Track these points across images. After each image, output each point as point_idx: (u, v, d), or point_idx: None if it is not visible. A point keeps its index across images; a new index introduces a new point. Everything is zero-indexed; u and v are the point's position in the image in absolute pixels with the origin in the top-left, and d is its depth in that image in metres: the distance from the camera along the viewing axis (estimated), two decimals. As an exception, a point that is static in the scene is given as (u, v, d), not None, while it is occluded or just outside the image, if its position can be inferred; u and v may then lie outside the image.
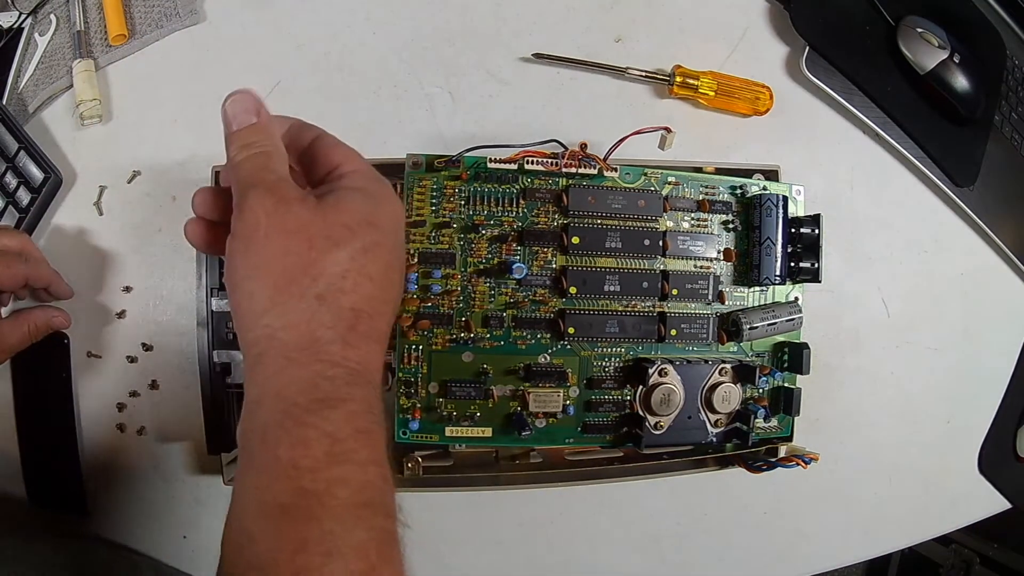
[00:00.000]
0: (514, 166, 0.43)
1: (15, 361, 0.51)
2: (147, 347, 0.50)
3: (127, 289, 0.50)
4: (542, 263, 0.44)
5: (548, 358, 0.44)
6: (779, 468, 0.47)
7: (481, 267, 0.43)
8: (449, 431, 0.44)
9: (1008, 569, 1.01)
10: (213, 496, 0.50)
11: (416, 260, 0.43)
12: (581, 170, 0.43)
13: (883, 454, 0.55)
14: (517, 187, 0.44)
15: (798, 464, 0.46)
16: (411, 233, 0.43)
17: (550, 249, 0.44)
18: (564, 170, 0.43)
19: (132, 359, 0.50)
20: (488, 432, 0.44)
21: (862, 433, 0.54)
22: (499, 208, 0.44)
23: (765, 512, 0.54)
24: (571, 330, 0.44)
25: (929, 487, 0.56)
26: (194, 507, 0.51)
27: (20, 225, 0.49)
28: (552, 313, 0.44)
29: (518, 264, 0.43)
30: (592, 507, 0.52)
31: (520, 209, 0.44)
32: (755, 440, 0.46)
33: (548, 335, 0.44)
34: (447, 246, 0.43)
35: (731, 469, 0.49)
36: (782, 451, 0.48)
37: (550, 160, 0.43)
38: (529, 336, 0.44)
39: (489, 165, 0.42)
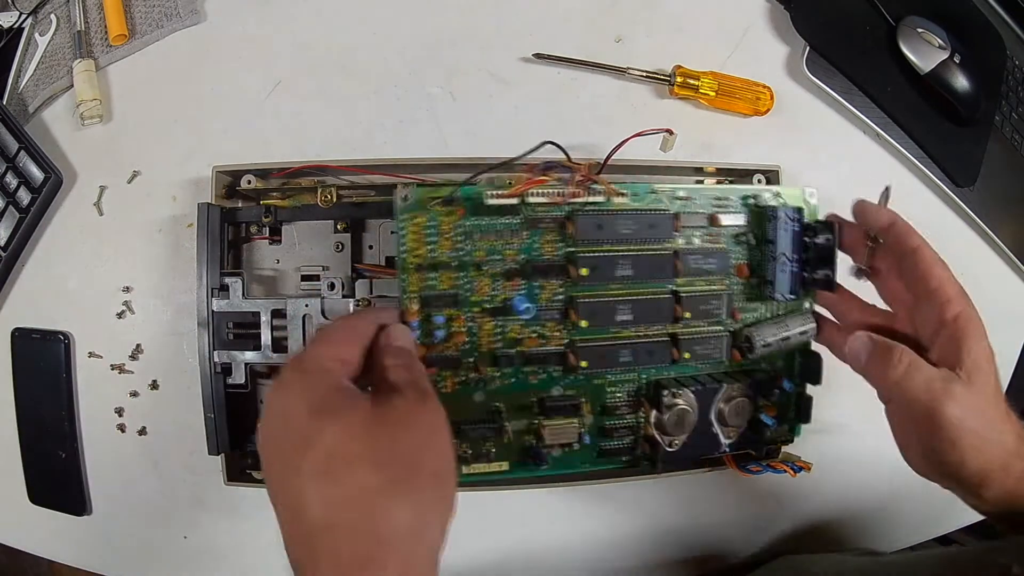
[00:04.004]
0: (515, 200, 0.39)
1: (15, 361, 0.51)
2: (147, 347, 0.50)
3: (127, 289, 0.50)
4: (550, 296, 0.41)
5: (561, 390, 0.43)
6: (769, 472, 0.46)
7: (486, 306, 0.41)
8: (466, 470, 0.42)
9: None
10: (213, 496, 0.50)
11: (417, 306, 0.40)
12: (588, 199, 0.40)
13: (883, 454, 0.54)
14: (518, 218, 0.41)
15: (787, 472, 0.46)
16: (409, 278, 0.40)
17: (557, 282, 0.41)
18: (570, 201, 0.40)
19: (132, 359, 0.50)
20: (505, 466, 0.42)
21: (862, 433, 0.54)
22: (500, 242, 0.40)
23: (766, 512, 0.54)
24: (584, 364, 0.41)
25: (929, 487, 0.55)
26: (194, 507, 0.51)
27: (20, 225, 0.49)
28: (562, 346, 0.42)
29: (527, 305, 0.40)
30: (592, 507, 0.52)
31: (523, 241, 0.41)
32: (763, 444, 0.46)
33: (560, 368, 0.42)
34: (448, 287, 0.40)
35: (731, 470, 0.49)
36: (781, 454, 0.48)
37: (555, 191, 0.40)
38: (540, 371, 0.42)
39: (488, 202, 0.39)
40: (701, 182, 0.51)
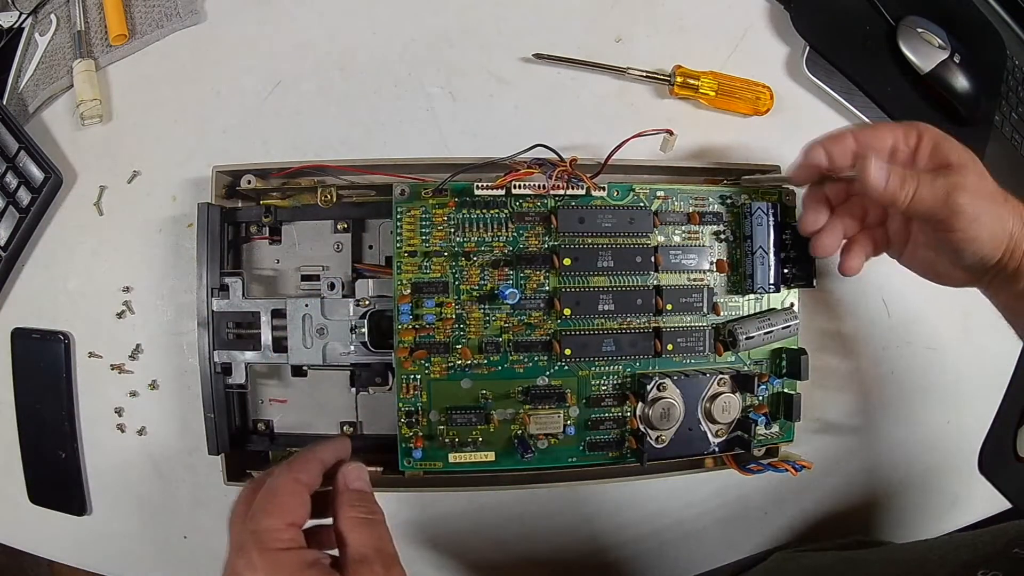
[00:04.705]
0: (501, 191, 0.42)
1: (15, 361, 0.51)
2: (147, 347, 0.50)
3: (127, 289, 0.50)
4: (535, 286, 0.44)
5: (546, 380, 0.44)
6: (770, 471, 0.47)
7: (474, 293, 0.43)
8: (453, 458, 0.44)
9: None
10: (213, 496, 0.50)
11: (409, 291, 0.43)
12: (569, 191, 0.43)
13: (883, 454, 0.55)
14: (506, 211, 0.43)
15: (789, 471, 0.46)
16: (403, 263, 0.43)
17: (542, 272, 0.44)
18: (552, 192, 0.43)
19: (132, 359, 0.50)
20: (491, 456, 0.44)
21: (862, 433, 0.54)
22: (488, 234, 0.43)
23: (766, 512, 0.54)
24: (567, 351, 0.43)
25: (929, 487, 0.56)
26: (194, 507, 0.51)
27: (20, 225, 0.49)
28: (548, 335, 0.44)
29: (511, 290, 0.42)
30: (592, 507, 0.52)
31: (510, 233, 0.44)
32: (757, 447, 0.46)
33: (545, 357, 0.44)
34: (439, 274, 0.43)
35: (731, 470, 0.49)
36: (781, 453, 0.48)
37: (537, 183, 0.42)
38: (526, 359, 0.44)
39: (476, 192, 0.42)
40: (702, 183, 0.51)
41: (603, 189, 0.44)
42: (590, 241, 0.44)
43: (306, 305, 0.45)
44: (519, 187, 0.42)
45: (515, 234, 0.44)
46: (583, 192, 0.43)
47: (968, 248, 0.38)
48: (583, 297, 0.44)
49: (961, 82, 0.52)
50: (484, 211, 0.43)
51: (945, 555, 0.40)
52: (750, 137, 0.53)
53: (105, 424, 0.51)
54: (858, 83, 0.52)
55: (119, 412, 0.51)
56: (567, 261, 0.43)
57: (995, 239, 0.38)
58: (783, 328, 0.46)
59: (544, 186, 0.42)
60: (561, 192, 0.43)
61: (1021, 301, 0.40)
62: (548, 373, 0.44)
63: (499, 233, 0.43)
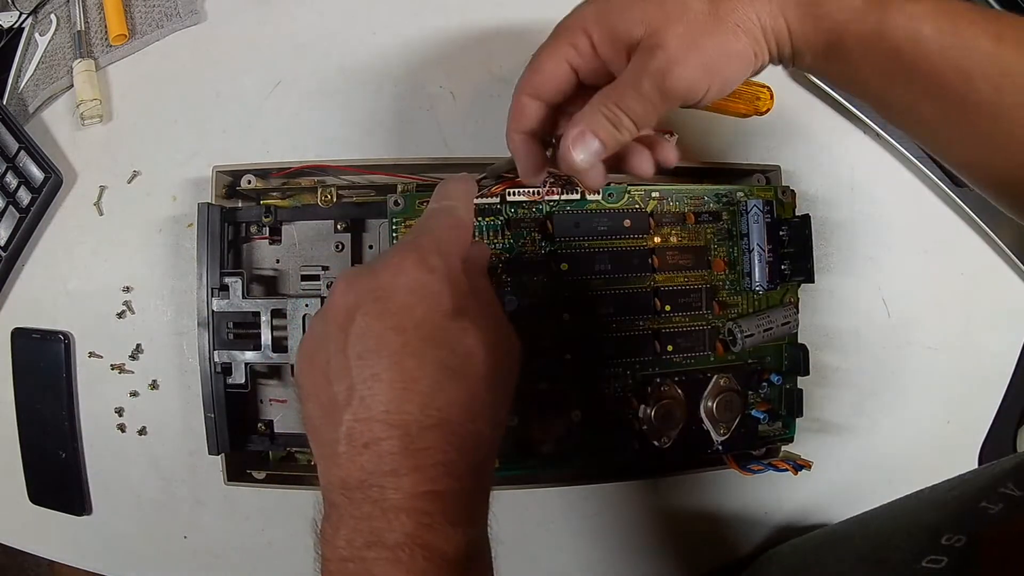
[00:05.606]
0: (496, 199, 0.42)
1: (15, 361, 0.51)
2: (147, 347, 0.50)
3: (127, 289, 0.50)
4: (534, 291, 0.44)
5: (548, 385, 0.44)
6: (771, 471, 0.47)
7: None
8: None
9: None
10: (213, 496, 0.50)
11: None
12: (564, 196, 0.43)
13: (883, 454, 0.55)
14: (501, 219, 0.43)
15: (789, 471, 0.46)
16: None
17: (540, 277, 0.43)
18: (547, 198, 0.43)
19: (132, 359, 0.50)
20: (495, 464, 0.44)
21: (862, 433, 0.54)
22: (485, 241, 0.43)
23: (765, 512, 0.54)
24: (568, 356, 0.43)
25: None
26: (194, 507, 0.51)
27: (20, 225, 0.49)
28: (548, 340, 0.44)
29: (509, 297, 0.42)
30: (592, 507, 0.52)
31: (506, 240, 0.43)
32: (760, 445, 0.46)
33: (546, 362, 0.44)
34: None
35: (731, 470, 0.49)
36: (781, 453, 0.49)
37: (532, 189, 0.43)
38: (527, 364, 0.44)
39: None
40: (701, 183, 0.51)
41: (598, 192, 0.44)
42: (587, 245, 0.44)
43: (306, 305, 0.45)
44: (514, 194, 0.42)
45: (511, 241, 0.43)
46: (578, 196, 0.43)
47: (728, 86, 0.32)
48: (581, 301, 0.43)
49: (961, 82, 0.52)
50: (480, 219, 0.43)
51: (914, 519, 0.38)
52: (750, 137, 0.53)
53: (105, 424, 0.51)
54: (858, 83, 0.52)
55: (119, 412, 0.51)
56: (564, 266, 0.43)
57: (745, 58, 0.31)
58: (783, 324, 0.46)
59: (539, 192, 0.42)
60: (556, 197, 0.43)
61: (829, 69, 0.34)
62: (550, 378, 0.44)
63: (495, 240, 0.43)
